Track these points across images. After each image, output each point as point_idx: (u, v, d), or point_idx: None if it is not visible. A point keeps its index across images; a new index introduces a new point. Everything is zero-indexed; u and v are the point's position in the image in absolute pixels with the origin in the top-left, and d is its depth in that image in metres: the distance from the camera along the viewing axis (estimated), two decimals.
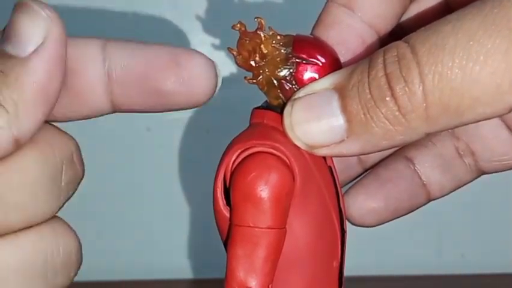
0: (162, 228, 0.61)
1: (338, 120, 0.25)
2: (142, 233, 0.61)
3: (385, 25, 0.29)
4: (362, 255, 0.61)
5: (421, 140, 0.31)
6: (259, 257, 0.25)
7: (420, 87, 0.23)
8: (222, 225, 0.27)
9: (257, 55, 0.27)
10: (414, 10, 0.31)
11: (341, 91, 0.25)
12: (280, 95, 0.27)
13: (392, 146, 0.25)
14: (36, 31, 0.23)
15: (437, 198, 0.33)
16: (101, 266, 0.58)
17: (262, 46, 0.27)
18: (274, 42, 0.27)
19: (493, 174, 0.34)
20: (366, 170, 0.34)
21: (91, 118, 0.27)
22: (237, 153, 0.26)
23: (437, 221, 0.62)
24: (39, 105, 0.23)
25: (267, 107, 0.27)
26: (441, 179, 0.32)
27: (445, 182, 0.33)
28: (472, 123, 0.24)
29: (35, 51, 0.23)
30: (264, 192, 0.25)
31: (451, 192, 0.33)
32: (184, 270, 0.61)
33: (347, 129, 0.25)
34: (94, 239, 0.60)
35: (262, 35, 0.27)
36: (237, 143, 0.26)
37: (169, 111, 0.26)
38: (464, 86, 0.22)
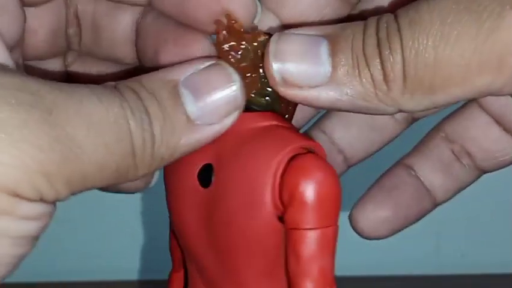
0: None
1: (322, 64, 0.24)
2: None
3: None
4: (362, 255, 0.61)
5: (418, 146, 0.32)
6: (333, 256, 0.25)
7: (401, 58, 0.24)
8: (264, 238, 0.25)
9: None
10: None
11: (333, 38, 0.25)
12: (268, 89, 0.26)
13: (364, 109, 0.25)
14: (223, 112, 0.24)
15: (443, 202, 0.33)
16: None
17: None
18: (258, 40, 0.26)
19: (492, 174, 0.34)
20: (349, 167, 0.34)
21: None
22: (286, 159, 0.25)
23: (436, 221, 0.62)
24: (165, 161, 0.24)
25: (255, 108, 0.27)
26: (444, 183, 0.33)
27: (448, 185, 0.33)
28: (445, 104, 0.24)
29: (206, 125, 0.24)
30: (337, 190, 0.25)
31: (456, 194, 0.33)
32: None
33: (329, 76, 0.24)
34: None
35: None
36: (281, 148, 0.25)
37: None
38: (436, 65, 0.23)
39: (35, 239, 0.23)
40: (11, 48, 0.25)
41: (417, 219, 0.33)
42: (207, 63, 0.25)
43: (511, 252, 0.62)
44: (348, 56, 0.24)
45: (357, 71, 0.24)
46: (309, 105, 0.26)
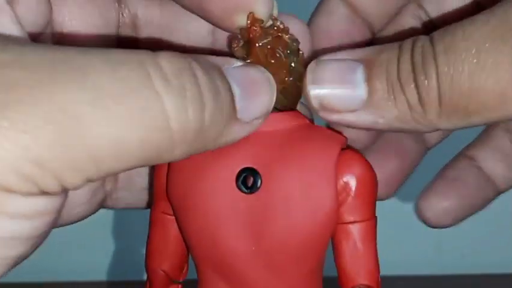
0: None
1: (359, 90, 0.25)
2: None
3: (379, 22, 0.30)
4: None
5: (479, 138, 0.33)
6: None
7: (436, 84, 0.24)
8: (322, 235, 0.26)
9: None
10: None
11: (368, 63, 0.25)
12: (286, 78, 0.26)
13: (402, 130, 0.26)
14: (266, 106, 0.24)
15: (505, 190, 0.34)
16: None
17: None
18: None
19: None
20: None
21: None
22: (336, 154, 0.26)
23: None
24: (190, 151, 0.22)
25: (281, 109, 0.27)
26: (504, 172, 0.34)
27: (508, 174, 0.34)
28: (481, 125, 0.25)
29: (247, 123, 0.23)
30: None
31: None
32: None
33: (366, 101, 0.25)
34: None
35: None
36: (333, 147, 0.26)
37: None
38: (472, 92, 0.23)
39: (34, 238, 0.21)
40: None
41: (481, 208, 0.34)
42: (242, 62, 0.25)
43: (511, 252, 0.62)
44: (383, 81, 0.25)
45: (392, 96, 0.24)
46: (349, 127, 0.26)
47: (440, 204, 0.33)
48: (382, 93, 0.25)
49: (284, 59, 0.26)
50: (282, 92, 0.26)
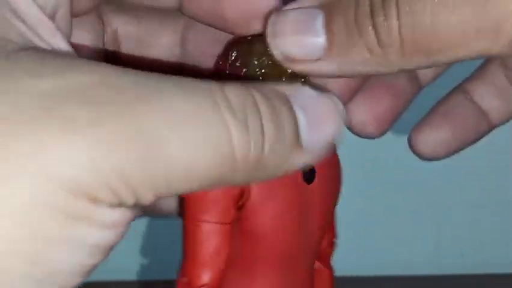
0: None
1: (319, 38, 0.25)
2: None
3: None
4: (362, 255, 0.61)
5: (473, 73, 0.33)
6: None
7: (397, 24, 0.24)
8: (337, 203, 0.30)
9: None
10: None
11: (328, 9, 0.25)
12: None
13: (367, 74, 0.26)
14: (332, 136, 0.24)
15: (499, 124, 0.34)
16: None
17: None
18: None
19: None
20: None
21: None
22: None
23: (437, 221, 0.62)
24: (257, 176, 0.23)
25: None
26: (499, 107, 0.33)
27: (502, 109, 0.34)
28: (445, 63, 0.25)
29: (311, 151, 0.23)
30: None
31: (510, 119, 0.34)
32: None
33: (326, 49, 0.25)
34: None
35: None
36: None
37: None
38: (434, 30, 0.23)
39: (111, 248, 0.22)
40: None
41: (474, 142, 0.33)
42: (318, 91, 0.24)
43: (511, 252, 0.62)
44: (341, 27, 0.24)
45: (351, 41, 0.24)
46: (318, 77, 0.26)
47: (433, 136, 0.33)
48: (341, 39, 0.24)
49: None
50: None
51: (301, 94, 0.24)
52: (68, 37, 0.25)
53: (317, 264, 0.31)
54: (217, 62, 0.27)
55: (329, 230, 0.31)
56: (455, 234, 0.63)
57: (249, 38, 0.26)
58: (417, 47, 0.24)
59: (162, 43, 0.30)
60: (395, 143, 0.60)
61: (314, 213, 0.29)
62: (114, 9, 0.29)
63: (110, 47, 0.29)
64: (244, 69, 0.26)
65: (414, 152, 0.33)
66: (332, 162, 0.29)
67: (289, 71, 0.26)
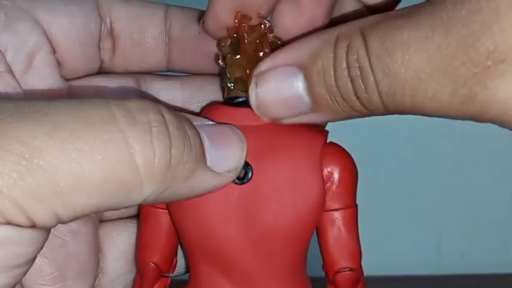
0: None
1: (304, 100, 0.25)
2: None
3: None
4: (362, 255, 0.61)
5: None
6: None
7: (375, 86, 0.24)
8: (310, 222, 0.27)
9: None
10: None
11: (306, 72, 0.25)
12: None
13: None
14: (236, 160, 0.25)
15: None
16: None
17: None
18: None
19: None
20: None
21: (144, 72, 0.30)
22: (321, 146, 0.27)
23: (437, 221, 0.62)
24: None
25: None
26: None
27: None
28: (426, 113, 0.24)
29: (216, 173, 0.24)
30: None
31: None
32: None
33: (312, 108, 0.26)
34: None
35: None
36: (318, 140, 0.27)
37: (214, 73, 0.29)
38: (406, 80, 0.23)
39: (9, 268, 0.21)
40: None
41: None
42: (213, 122, 0.26)
43: (511, 252, 0.62)
44: (324, 93, 0.25)
45: (335, 103, 0.25)
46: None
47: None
48: (325, 101, 0.25)
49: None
50: None
51: (205, 123, 0.25)
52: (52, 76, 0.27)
53: None
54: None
55: (341, 254, 0.28)
56: (455, 234, 0.63)
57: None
58: (398, 105, 0.24)
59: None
60: (395, 143, 0.60)
61: (248, 219, 0.27)
62: (153, 78, 0.30)
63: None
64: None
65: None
66: (294, 169, 0.27)
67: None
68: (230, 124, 0.26)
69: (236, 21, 0.27)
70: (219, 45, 0.28)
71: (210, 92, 0.30)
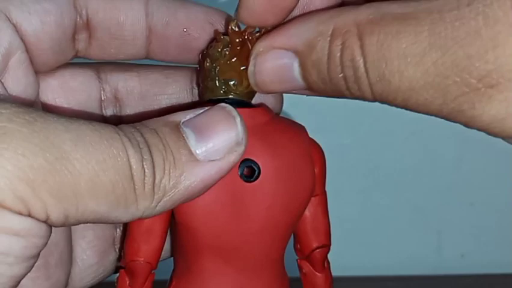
0: None
1: (299, 82, 0.27)
2: None
3: None
4: (362, 255, 0.61)
5: None
6: None
7: (369, 88, 0.25)
8: (302, 212, 0.30)
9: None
10: None
11: (301, 59, 0.26)
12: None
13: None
14: (227, 145, 0.26)
15: None
16: None
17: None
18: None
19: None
20: None
21: (123, 60, 0.31)
22: (308, 143, 0.30)
23: (437, 221, 0.62)
24: (175, 202, 0.25)
25: (246, 103, 0.29)
26: None
27: None
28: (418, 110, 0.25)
29: (213, 161, 0.26)
30: None
31: None
32: None
33: (307, 88, 0.27)
34: None
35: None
36: (305, 136, 0.30)
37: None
38: (399, 88, 0.24)
39: (25, 259, 0.23)
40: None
41: None
42: (207, 108, 0.27)
43: (511, 252, 0.62)
44: (319, 81, 0.26)
45: (329, 90, 0.26)
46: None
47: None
48: (318, 86, 0.26)
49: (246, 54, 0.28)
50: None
51: (191, 115, 0.26)
52: (28, 79, 0.28)
53: (307, 269, 0.32)
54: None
55: (317, 233, 0.31)
56: (455, 234, 0.63)
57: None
58: (389, 99, 0.25)
59: (170, 91, 0.31)
60: (395, 143, 0.60)
61: (254, 212, 0.28)
62: (112, 68, 0.31)
63: (108, 105, 0.31)
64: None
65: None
66: (292, 164, 0.29)
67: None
68: (220, 104, 0.27)
69: (231, 27, 0.28)
70: (208, 47, 0.29)
71: (164, 84, 0.31)
